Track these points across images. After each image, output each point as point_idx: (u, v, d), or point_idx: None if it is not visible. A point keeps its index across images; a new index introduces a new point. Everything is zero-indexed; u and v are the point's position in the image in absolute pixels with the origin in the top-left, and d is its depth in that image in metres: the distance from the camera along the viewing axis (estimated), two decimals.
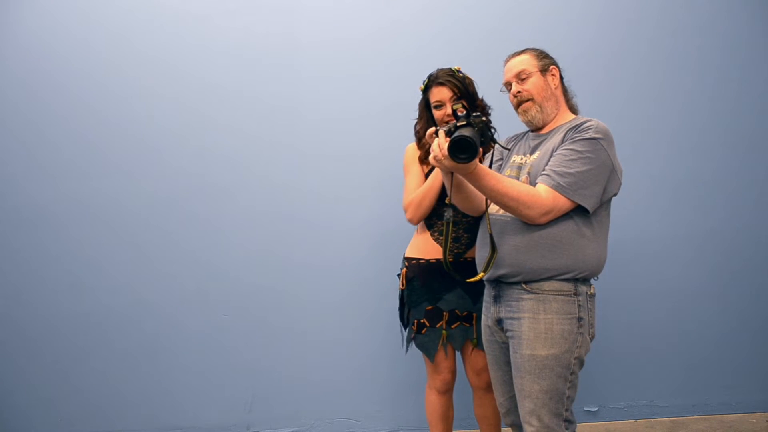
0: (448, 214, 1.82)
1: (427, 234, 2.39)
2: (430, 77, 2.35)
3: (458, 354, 2.44)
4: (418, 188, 2.36)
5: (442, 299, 2.34)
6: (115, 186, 3.03)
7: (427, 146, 2.35)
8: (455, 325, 2.35)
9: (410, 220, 2.37)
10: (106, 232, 3.02)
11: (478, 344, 2.33)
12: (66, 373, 3.01)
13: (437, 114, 2.32)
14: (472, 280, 1.95)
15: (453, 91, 2.29)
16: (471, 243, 2.35)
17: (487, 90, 2.37)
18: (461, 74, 2.33)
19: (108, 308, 3.02)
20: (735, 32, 3.17)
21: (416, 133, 2.45)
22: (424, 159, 2.40)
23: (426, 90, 2.36)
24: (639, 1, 3.16)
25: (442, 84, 2.30)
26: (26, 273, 3.01)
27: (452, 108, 1.75)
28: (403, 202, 2.40)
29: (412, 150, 2.46)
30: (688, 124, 3.16)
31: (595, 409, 3.13)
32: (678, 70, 3.17)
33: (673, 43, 3.16)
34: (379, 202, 2.65)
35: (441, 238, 2.36)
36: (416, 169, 2.41)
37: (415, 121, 2.47)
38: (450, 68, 2.34)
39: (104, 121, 3.03)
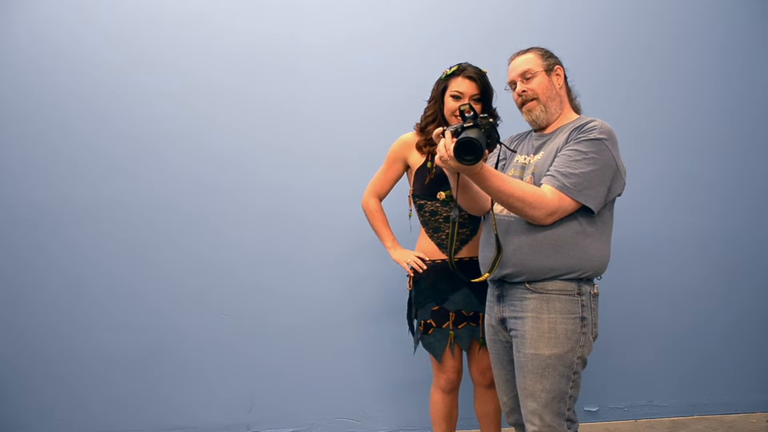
0: (454, 214, 1.82)
1: (424, 230, 2.39)
2: (460, 66, 2.34)
3: (463, 353, 2.45)
4: (384, 186, 2.51)
5: (448, 299, 2.35)
6: (114, 186, 3.02)
7: (431, 134, 2.34)
8: (462, 325, 2.35)
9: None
10: (105, 231, 3.01)
11: (485, 344, 2.33)
12: (65, 373, 3.00)
13: (451, 104, 2.31)
14: (477, 280, 1.95)
15: (478, 90, 2.30)
16: (465, 240, 2.35)
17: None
18: (487, 79, 2.34)
19: (107, 308, 3.01)
20: (735, 32, 3.17)
21: (426, 117, 2.40)
22: (424, 145, 2.38)
23: (451, 76, 2.33)
24: (639, 1, 3.17)
25: (471, 78, 2.30)
26: (25, 273, 2.99)
27: (460, 109, 1.75)
28: (367, 189, 2.55)
29: (402, 144, 2.44)
30: (688, 125, 3.17)
31: (595, 409, 3.13)
32: (678, 70, 3.17)
33: (673, 43, 3.17)
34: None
35: (435, 235, 2.38)
36: (390, 173, 2.50)
37: (426, 103, 2.44)
38: (479, 68, 2.34)
39: (104, 121, 3.02)
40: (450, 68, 2.35)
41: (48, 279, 3.00)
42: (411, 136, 2.44)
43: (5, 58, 2.99)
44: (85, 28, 3.01)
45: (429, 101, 2.42)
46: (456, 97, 2.30)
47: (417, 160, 2.41)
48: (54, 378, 3.00)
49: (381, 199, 2.57)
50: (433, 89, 2.41)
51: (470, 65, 2.34)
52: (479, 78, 2.31)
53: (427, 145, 2.37)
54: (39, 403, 3.00)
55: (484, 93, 2.32)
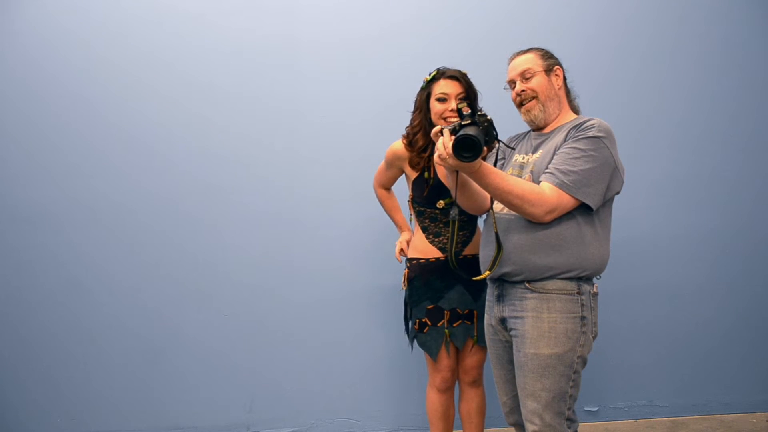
0: (454, 212, 1.82)
1: (424, 236, 2.39)
2: (439, 69, 2.32)
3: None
4: (386, 182, 2.57)
5: (443, 298, 2.35)
6: (114, 186, 3.02)
7: (419, 145, 2.34)
8: (457, 323, 2.35)
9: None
10: (104, 232, 3.01)
11: (478, 341, 2.34)
12: (65, 373, 3.00)
13: (438, 107, 2.28)
14: (477, 278, 1.95)
15: (462, 88, 2.28)
16: (467, 240, 2.35)
17: (489, 91, 2.36)
18: (469, 79, 2.32)
19: (107, 308, 3.01)
20: (735, 32, 3.17)
21: (413, 128, 2.37)
22: (417, 163, 2.35)
23: (432, 81, 2.32)
24: (639, 1, 3.17)
25: (453, 78, 2.28)
26: (24, 273, 2.99)
27: (457, 107, 1.75)
28: (374, 178, 2.62)
29: (394, 156, 2.42)
30: (689, 124, 3.17)
31: (595, 409, 3.13)
32: (678, 70, 3.17)
33: (673, 43, 3.17)
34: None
35: (436, 239, 2.37)
36: (389, 173, 2.51)
37: (411, 114, 2.40)
38: (460, 70, 2.32)
39: (103, 122, 3.02)
40: (429, 74, 2.34)
41: (48, 279, 3.00)
42: (401, 147, 2.40)
43: (5, 58, 2.99)
44: (85, 29, 3.01)
45: (414, 111, 2.39)
46: (442, 100, 2.28)
47: (412, 171, 2.40)
48: (54, 378, 3.00)
49: (386, 189, 2.60)
50: (417, 99, 2.38)
51: (449, 68, 2.32)
52: (462, 77, 2.29)
53: (420, 161, 2.35)
54: (39, 403, 2.99)
55: (468, 91, 2.30)
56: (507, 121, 2.14)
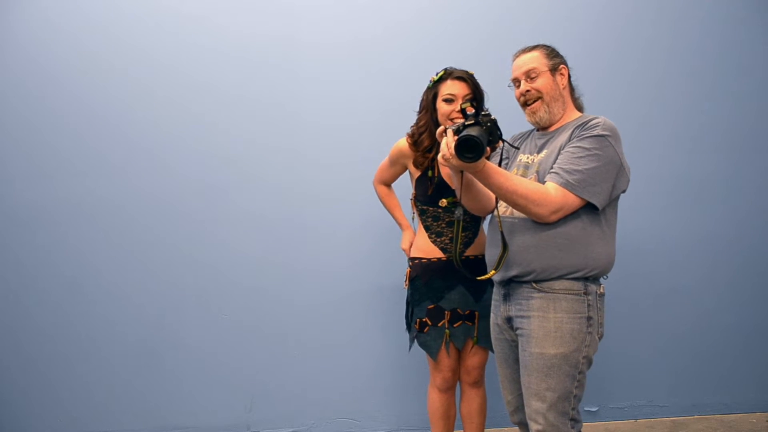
0: (458, 213, 1.81)
1: (427, 235, 2.39)
2: (446, 70, 2.31)
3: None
4: (388, 178, 2.57)
5: (444, 298, 2.34)
6: (113, 187, 3.00)
7: (424, 146, 2.33)
8: (458, 324, 2.35)
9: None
10: (103, 233, 3.00)
11: (478, 341, 2.34)
12: (64, 373, 2.99)
13: (445, 108, 2.27)
14: (482, 278, 1.94)
15: (470, 89, 2.27)
16: (470, 242, 2.35)
17: (492, 90, 2.35)
18: (476, 80, 2.32)
19: (106, 308, 3.00)
20: (734, 32, 3.17)
21: (419, 128, 2.36)
22: (422, 163, 2.36)
23: (439, 81, 2.30)
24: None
25: (460, 79, 2.27)
26: (23, 274, 2.98)
27: (461, 107, 1.75)
28: (376, 175, 2.61)
29: (399, 153, 2.42)
30: (688, 124, 3.17)
31: (595, 409, 3.13)
32: (677, 69, 3.17)
33: (672, 43, 3.17)
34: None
35: (438, 239, 2.37)
36: (393, 171, 2.52)
37: (417, 114, 2.40)
38: (467, 70, 2.32)
39: (102, 122, 3.00)
40: (436, 74, 2.33)
41: (47, 280, 2.98)
42: (406, 145, 2.40)
43: (4, 58, 2.97)
44: (84, 29, 2.99)
45: (420, 112, 2.39)
46: (449, 101, 2.27)
47: (416, 169, 2.40)
48: (53, 378, 2.99)
49: (387, 185, 2.60)
50: (423, 99, 2.37)
51: (456, 68, 2.32)
52: (469, 78, 2.28)
53: (424, 161, 2.35)
54: (38, 403, 2.98)
55: (476, 93, 2.29)
56: (512, 121, 2.14)
